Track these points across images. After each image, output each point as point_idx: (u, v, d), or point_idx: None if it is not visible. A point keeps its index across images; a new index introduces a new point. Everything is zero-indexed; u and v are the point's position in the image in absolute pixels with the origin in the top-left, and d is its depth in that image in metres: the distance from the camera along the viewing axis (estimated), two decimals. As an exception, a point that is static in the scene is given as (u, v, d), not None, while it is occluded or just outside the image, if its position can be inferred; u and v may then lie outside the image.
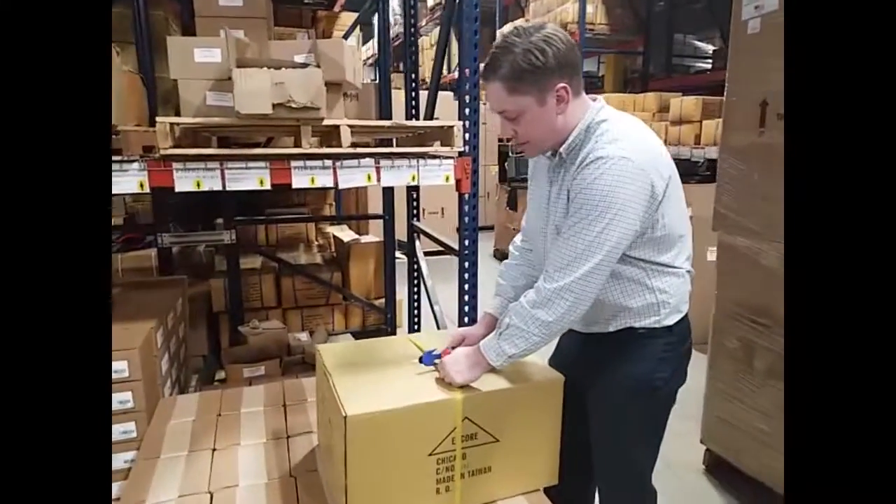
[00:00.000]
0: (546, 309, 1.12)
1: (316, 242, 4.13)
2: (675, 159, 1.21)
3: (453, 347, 1.34)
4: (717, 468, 2.10)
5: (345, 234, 4.03)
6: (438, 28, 2.82)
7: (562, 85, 1.11)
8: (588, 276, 1.09)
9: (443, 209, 6.35)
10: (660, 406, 1.29)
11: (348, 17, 4.15)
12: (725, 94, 1.93)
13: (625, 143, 1.09)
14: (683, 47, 7.52)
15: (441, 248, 2.45)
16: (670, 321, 1.24)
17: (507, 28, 1.16)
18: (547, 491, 1.34)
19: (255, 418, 1.65)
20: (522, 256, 1.45)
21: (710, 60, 7.17)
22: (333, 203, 4.92)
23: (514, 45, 1.08)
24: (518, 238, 1.48)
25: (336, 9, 3.87)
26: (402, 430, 1.16)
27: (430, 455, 1.20)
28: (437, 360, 1.30)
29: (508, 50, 1.09)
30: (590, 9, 6.05)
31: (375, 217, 3.30)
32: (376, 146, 2.81)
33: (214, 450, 1.49)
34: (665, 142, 5.30)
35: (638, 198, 1.08)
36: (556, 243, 1.14)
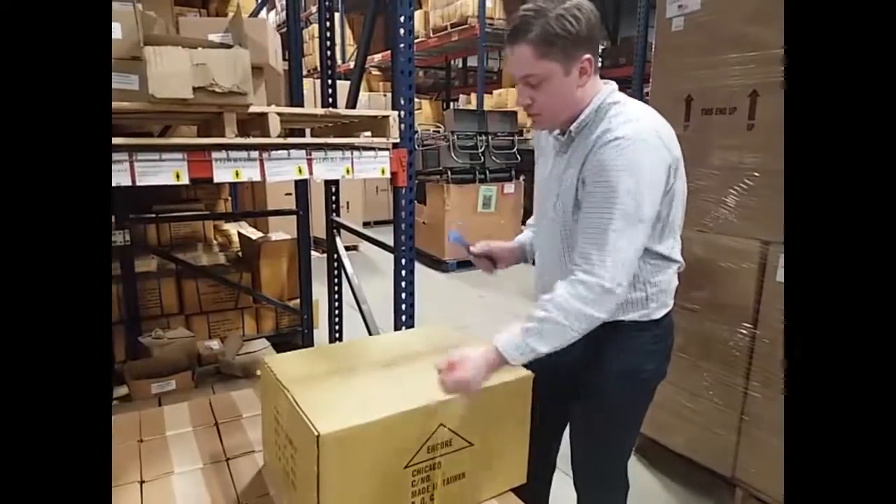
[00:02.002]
0: (598, 306, 1.07)
1: (215, 241, 3.80)
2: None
3: (485, 257, 1.40)
4: (650, 449, 2.22)
5: (248, 231, 3.75)
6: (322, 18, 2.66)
7: (587, 57, 1.09)
8: (629, 262, 1.08)
9: (348, 203, 6.16)
10: (644, 398, 1.31)
11: (244, 0, 3.84)
12: (650, 89, 2.03)
13: (641, 123, 1.09)
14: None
15: (352, 245, 2.35)
16: (658, 315, 1.25)
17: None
18: (516, 490, 1.33)
19: (185, 441, 1.45)
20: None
21: (601, 59, 7.61)
22: (230, 199, 4.56)
23: (547, 10, 1.05)
24: (531, 219, 1.46)
25: (230, -13, 3.56)
26: (377, 445, 1.07)
27: (406, 467, 1.12)
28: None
29: (541, 13, 1.05)
30: (489, 3, 6.15)
31: (290, 212, 3.08)
32: (288, 136, 2.63)
33: (143, 482, 1.28)
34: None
35: (658, 176, 1.08)
36: (587, 230, 1.09)
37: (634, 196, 1.05)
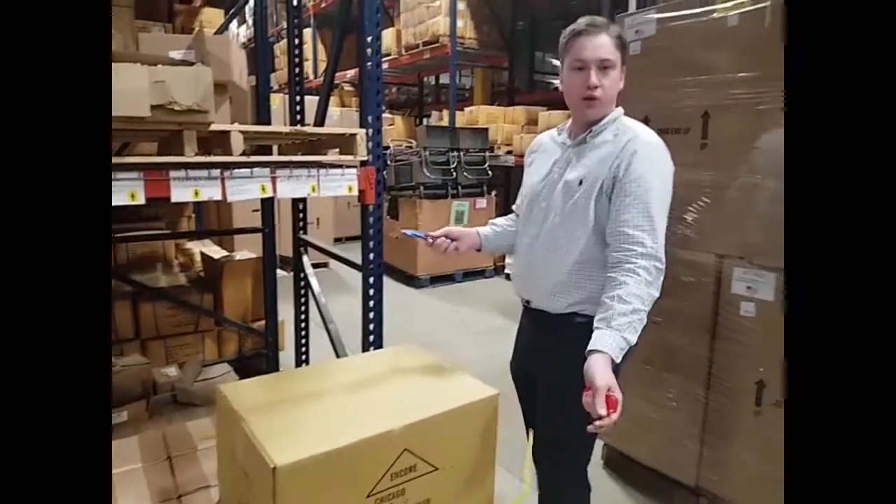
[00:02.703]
0: (656, 286, 1.24)
1: (177, 261, 3.69)
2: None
3: (438, 237, 1.51)
4: (616, 460, 2.23)
5: (211, 250, 3.66)
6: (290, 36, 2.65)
7: (625, 67, 1.34)
8: (662, 245, 1.26)
9: (318, 219, 6.10)
10: None
11: (211, 14, 3.81)
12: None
13: (652, 135, 1.33)
14: (544, 65, 8.07)
15: (322, 262, 2.31)
16: None
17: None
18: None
19: (134, 479, 1.39)
20: (515, 222, 1.60)
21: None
22: (193, 216, 4.45)
23: (610, 23, 1.33)
24: (515, 205, 1.62)
25: (197, 3, 3.51)
26: (338, 474, 1.04)
27: (369, 496, 1.09)
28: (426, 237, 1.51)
29: (608, 22, 1.32)
30: (460, 23, 6.22)
31: (255, 231, 3.02)
32: (252, 154, 2.59)
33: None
34: (534, 153, 5.66)
35: (671, 180, 1.32)
36: (632, 221, 1.24)
37: (665, 193, 1.29)
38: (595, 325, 1.21)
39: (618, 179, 1.27)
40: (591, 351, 1.16)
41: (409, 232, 1.61)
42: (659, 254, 1.24)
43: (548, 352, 1.39)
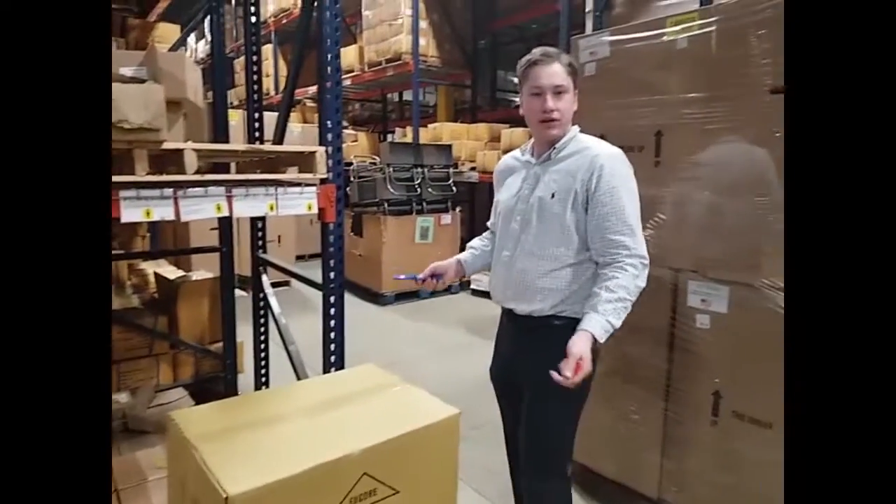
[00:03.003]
0: (642, 278, 1.43)
1: (129, 282, 3.56)
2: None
3: (430, 276, 1.66)
4: (582, 475, 2.23)
5: (166, 270, 3.54)
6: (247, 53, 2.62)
7: (576, 91, 1.50)
8: (642, 242, 1.44)
9: (280, 237, 6.00)
10: (584, 392, 1.50)
11: (167, 29, 3.73)
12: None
13: (611, 147, 1.49)
14: (505, 83, 8.22)
15: (283, 280, 2.28)
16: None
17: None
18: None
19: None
20: (490, 239, 1.75)
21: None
22: (147, 235, 4.30)
23: (561, 52, 1.49)
24: (490, 223, 1.76)
25: (151, 18, 3.44)
26: (294, 502, 1.01)
27: (327, 524, 1.06)
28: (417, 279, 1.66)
29: (559, 52, 1.49)
30: (422, 41, 6.29)
31: (212, 250, 2.94)
32: (208, 171, 2.53)
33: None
34: (497, 169, 5.72)
35: (633, 178, 1.49)
36: (613, 227, 1.41)
37: (634, 195, 1.45)
38: (584, 310, 1.42)
39: (591, 193, 1.43)
40: (578, 330, 1.38)
41: (401, 276, 1.75)
42: (641, 251, 1.43)
43: (530, 354, 1.52)
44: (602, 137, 2.02)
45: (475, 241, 1.79)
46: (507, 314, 1.62)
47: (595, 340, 1.36)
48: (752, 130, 1.65)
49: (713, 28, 1.72)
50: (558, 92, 1.45)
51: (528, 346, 1.54)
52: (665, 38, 1.85)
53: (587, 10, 3.92)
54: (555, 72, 1.44)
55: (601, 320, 1.37)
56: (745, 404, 1.72)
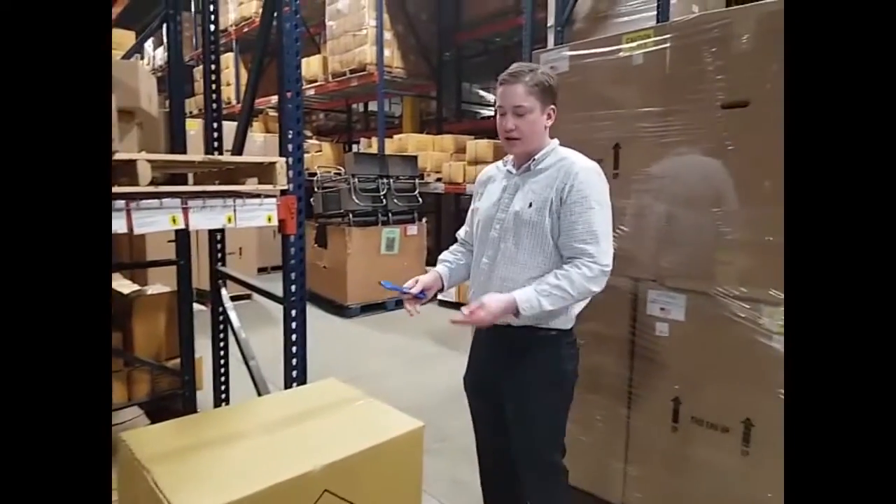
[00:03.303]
0: (597, 283, 1.45)
1: (83, 296, 3.40)
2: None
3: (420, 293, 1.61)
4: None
5: (121, 284, 3.41)
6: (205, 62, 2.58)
7: (553, 106, 1.53)
8: (606, 252, 1.46)
9: (241, 249, 5.86)
10: (568, 396, 1.59)
11: (122, 36, 3.63)
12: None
13: (588, 160, 1.53)
14: (471, 95, 8.30)
15: (245, 293, 2.23)
16: (569, 325, 1.55)
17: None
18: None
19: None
20: (464, 247, 1.78)
21: (493, 108, 8.01)
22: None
23: (535, 69, 1.50)
24: (462, 233, 1.80)
25: (107, 23, 3.34)
26: (251, 525, 0.97)
27: (286, 547, 1.03)
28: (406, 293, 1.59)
29: (531, 69, 1.49)
30: (387, 52, 6.30)
31: (168, 263, 2.85)
32: (165, 182, 2.45)
33: None
34: (463, 180, 5.75)
35: (607, 191, 1.53)
36: (580, 233, 1.45)
37: (605, 206, 1.49)
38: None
39: (563, 201, 1.47)
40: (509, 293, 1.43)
41: (388, 285, 1.64)
42: (601, 260, 1.45)
43: (511, 365, 1.54)
44: (563, 149, 2.09)
45: (447, 255, 1.78)
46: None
47: (516, 309, 1.40)
48: (706, 144, 1.71)
49: (668, 45, 1.78)
50: (519, 113, 1.48)
51: (506, 358, 1.56)
52: (622, 53, 1.90)
53: (549, 24, 4.01)
54: (515, 92, 1.47)
55: (531, 294, 1.41)
56: (704, 410, 1.76)
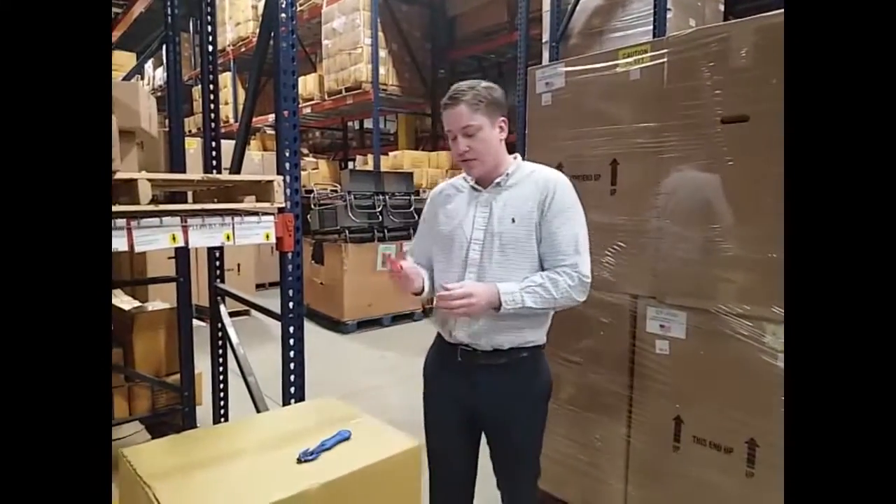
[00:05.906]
0: (579, 292, 1.45)
1: (81, 314, 3.38)
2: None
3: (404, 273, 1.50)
4: (546, 503, 2.21)
5: (122, 300, 3.40)
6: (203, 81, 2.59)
7: (503, 118, 1.49)
8: (586, 262, 1.46)
9: (239, 265, 5.85)
10: (547, 408, 1.59)
11: (122, 57, 3.67)
12: (527, 157, 2.14)
13: (557, 173, 1.52)
14: (465, 111, 8.36)
15: (243, 310, 2.22)
16: (544, 340, 1.55)
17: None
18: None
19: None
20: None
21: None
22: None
23: (474, 85, 1.45)
24: (415, 255, 1.68)
25: (105, 43, 3.37)
26: (250, 547, 0.96)
27: (285, 569, 1.01)
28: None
29: (471, 86, 1.45)
30: (382, 70, 6.36)
31: (168, 280, 2.84)
32: (165, 199, 2.46)
33: None
34: (459, 195, 5.77)
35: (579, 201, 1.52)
36: (562, 245, 1.44)
37: (581, 216, 1.49)
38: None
39: (544, 213, 1.45)
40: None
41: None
42: (584, 270, 1.45)
43: (493, 392, 1.49)
44: (559, 166, 2.08)
45: (420, 270, 1.60)
46: (455, 350, 1.50)
47: (499, 302, 1.37)
48: (705, 159, 1.69)
49: (665, 60, 1.77)
50: (469, 133, 1.43)
51: (487, 384, 1.48)
52: (618, 69, 1.90)
53: (543, 40, 4.05)
54: (459, 114, 1.42)
55: (515, 289, 1.39)
56: (706, 429, 1.73)
